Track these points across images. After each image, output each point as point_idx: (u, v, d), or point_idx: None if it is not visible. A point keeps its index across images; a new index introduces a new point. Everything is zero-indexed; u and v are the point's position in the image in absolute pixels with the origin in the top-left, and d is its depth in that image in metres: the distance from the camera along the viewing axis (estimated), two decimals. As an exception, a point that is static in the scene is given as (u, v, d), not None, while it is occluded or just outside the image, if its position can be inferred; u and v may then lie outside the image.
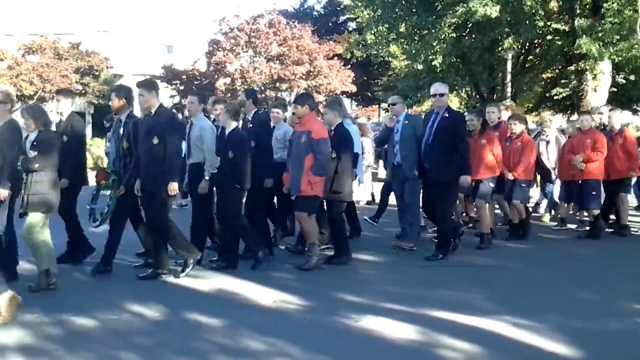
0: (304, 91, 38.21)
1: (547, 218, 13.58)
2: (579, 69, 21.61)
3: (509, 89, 26.27)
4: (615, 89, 25.28)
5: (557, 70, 27.60)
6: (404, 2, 23.56)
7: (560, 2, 22.95)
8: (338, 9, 47.41)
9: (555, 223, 12.95)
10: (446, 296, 7.80)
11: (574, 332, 6.38)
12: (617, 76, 24.13)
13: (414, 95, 28.43)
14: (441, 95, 9.92)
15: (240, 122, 9.69)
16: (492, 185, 10.93)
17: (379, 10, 24.82)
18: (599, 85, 21.57)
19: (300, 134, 9.21)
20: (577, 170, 11.68)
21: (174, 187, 8.24)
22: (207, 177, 9.10)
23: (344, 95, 46.08)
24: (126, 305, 7.32)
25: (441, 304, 7.34)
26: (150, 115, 8.42)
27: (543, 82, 29.72)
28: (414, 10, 23.32)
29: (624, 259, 10.24)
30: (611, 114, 12.43)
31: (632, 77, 25.56)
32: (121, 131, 8.77)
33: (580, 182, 11.79)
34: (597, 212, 11.65)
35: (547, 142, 12.75)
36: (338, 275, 8.94)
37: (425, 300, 7.54)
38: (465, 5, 20.09)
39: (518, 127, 11.49)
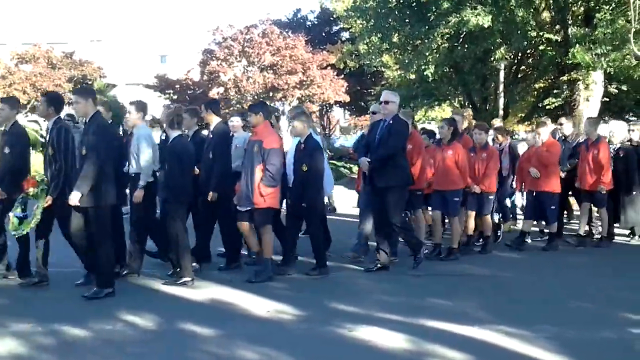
0: (298, 101, 38.29)
1: (507, 227, 13.14)
2: (571, 79, 21.67)
3: (501, 99, 26.33)
4: (608, 99, 25.37)
5: (549, 80, 27.64)
6: (396, 13, 23.60)
7: (553, 13, 23.02)
8: (331, 19, 47.44)
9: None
10: (440, 306, 7.81)
11: (567, 341, 6.40)
12: (609, 86, 24.21)
13: (407, 105, 28.43)
14: (386, 102, 9.70)
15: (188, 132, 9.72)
16: (457, 199, 10.71)
17: (372, 20, 24.86)
18: (591, 95, 21.62)
19: (253, 144, 9.13)
20: (534, 181, 11.45)
21: (74, 197, 7.75)
22: (141, 185, 8.87)
23: (337, 105, 46.13)
24: (119, 314, 7.31)
25: (435, 313, 7.36)
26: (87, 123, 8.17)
27: (535, 92, 29.78)
28: (407, 20, 23.36)
29: (617, 269, 10.25)
30: (587, 123, 12.26)
31: (624, 87, 25.65)
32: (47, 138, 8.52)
33: (535, 194, 11.58)
34: (554, 227, 11.51)
35: (501, 152, 12.28)
36: (332, 284, 8.94)
37: (419, 309, 7.55)
38: (457, 15, 20.14)
39: (483, 138, 11.32)
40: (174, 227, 8.67)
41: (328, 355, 6.21)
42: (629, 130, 12.66)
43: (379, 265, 9.61)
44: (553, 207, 11.41)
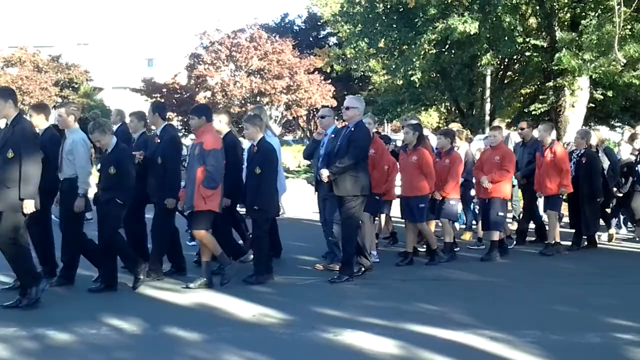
0: (285, 105, 38.33)
1: (467, 236, 13.01)
2: (557, 85, 21.81)
3: (488, 104, 26.48)
4: (593, 105, 25.51)
5: (535, 86, 27.84)
6: (384, 18, 23.71)
7: (539, 19, 23.19)
8: (318, 23, 47.62)
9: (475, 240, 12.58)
10: (425, 310, 7.82)
11: (552, 346, 6.42)
12: (594, 92, 24.36)
13: (394, 110, 28.56)
14: (347, 108, 9.51)
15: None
16: (422, 205, 10.44)
17: (359, 25, 24.99)
18: (576, 101, 21.77)
19: (194, 146, 8.95)
20: (485, 187, 11.13)
21: (28, 205, 7.53)
22: (80, 194, 8.55)
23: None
24: (104, 319, 7.28)
25: (420, 318, 7.37)
26: (7, 126, 7.85)
27: (522, 98, 30.00)
28: (394, 25, 23.46)
29: (602, 275, 10.29)
30: (541, 128, 11.92)
31: (609, 93, 25.81)
32: None
33: (487, 200, 11.22)
34: (496, 236, 11.06)
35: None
36: (317, 289, 8.94)
37: (404, 314, 7.56)
38: (444, 21, 20.24)
39: (446, 143, 11.16)
40: (112, 230, 8.66)
41: (313, 359, 6.22)
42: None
43: (362, 268, 9.56)
44: (501, 214, 11.12)
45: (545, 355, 6.14)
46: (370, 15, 23.98)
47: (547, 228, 11.99)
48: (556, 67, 20.47)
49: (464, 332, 6.84)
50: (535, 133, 12.57)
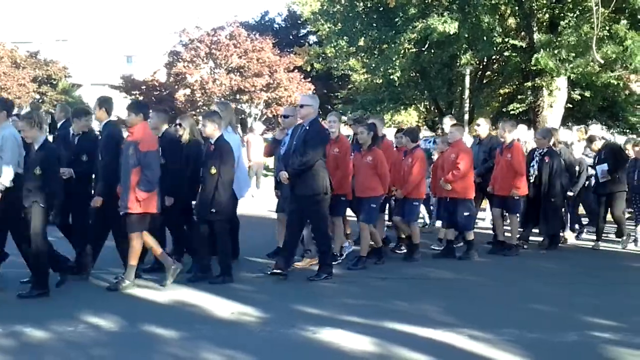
0: (265, 103, 38.26)
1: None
2: (536, 85, 21.92)
3: (467, 104, 26.56)
4: (571, 105, 25.67)
5: (514, 86, 27.97)
6: (364, 17, 23.73)
7: (518, 19, 23.28)
8: (299, 22, 47.53)
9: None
10: (404, 309, 7.84)
11: (530, 344, 6.46)
12: (572, 92, 24.51)
13: (374, 109, 28.57)
14: (301, 106, 9.46)
15: (46, 134, 8.97)
16: (374, 206, 10.15)
17: (339, 24, 24.99)
18: (555, 101, 21.89)
19: (128, 145, 8.60)
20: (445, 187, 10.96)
21: None
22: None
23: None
24: (81, 316, 7.24)
25: (399, 316, 7.38)
26: None
27: (500, 98, 30.10)
28: (374, 24, 23.48)
29: (582, 274, 10.36)
30: (503, 126, 11.66)
31: (587, 94, 25.98)
32: None
33: (448, 200, 11.08)
34: (470, 235, 11.07)
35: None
36: (297, 287, 8.92)
37: (384, 312, 7.56)
38: (424, 21, 20.29)
39: (406, 142, 11.03)
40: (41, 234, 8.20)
41: (292, 357, 6.22)
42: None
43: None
44: (466, 214, 10.94)
45: (523, 354, 6.17)
46: (351, 14, 23.99)
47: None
48: (534, 68, 20.57)
49: (443, 330, 6.86)
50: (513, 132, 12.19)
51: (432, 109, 30.12)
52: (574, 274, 10.35)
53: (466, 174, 10.94)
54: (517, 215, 11.71)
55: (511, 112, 27.21)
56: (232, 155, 9.10)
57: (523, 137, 13.96)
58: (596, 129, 13.70)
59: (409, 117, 36.79)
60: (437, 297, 8.51)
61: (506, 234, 11.63)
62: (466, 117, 25.64)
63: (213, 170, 8.76)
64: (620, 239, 12.46)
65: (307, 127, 9.24)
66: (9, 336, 6.57)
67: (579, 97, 26.13)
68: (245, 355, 6.10)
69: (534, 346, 6.41)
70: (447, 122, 13.10)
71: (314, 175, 9.05)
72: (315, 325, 6.98)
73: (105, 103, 9.33)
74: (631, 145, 12.52)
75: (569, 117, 26.06)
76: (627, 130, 26.61)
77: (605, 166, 12.08)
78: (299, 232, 9.62)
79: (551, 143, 12.12)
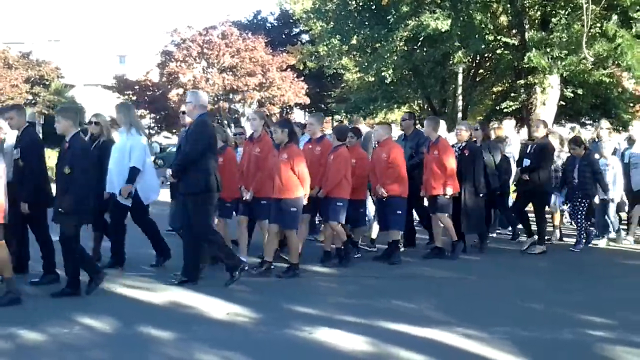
0: (258, 103, 38.23)
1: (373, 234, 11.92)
2: (528, 82, 21.94)
3: (460, 102, 26.60)
4: (564, 103, 25.71)
5: (507, 84, 27.98)
6: (356, 15, 23.72)
7: (510, 17, 23.30)
8: (291, 20, 47.52)
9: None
10: (399, 307, 7.86)
11: (524, 342, 6.49)
12: (565, 90, 24.54)
13: (367, 108, 28.59)
14: (185, 103, 9.18)
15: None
16: (294, 209, 9.40)
17: (332, 22, 24.98)
18: (547, 99, 21.92)
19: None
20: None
21: None
22: None
23: (298, 107, 46.24)
24: (76, 318, 7.23)
25: (394, 315, 7.40)
26: None
27: (493, 95, 30.13)
28: (367, 23, 23.48)
29: (575, 272, 10.42)
30: (426, 122, 11.34)
31: (580, 91, 26.02)
32: None
33: (384, 199, 10.58)
34: (396, 235, 10.64)
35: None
36: (291, 287, 8.94)
37: (379, 311, 7.59)
38: (417, 19, 20.30)
39: (332, 139, 10.50)
40: None
41: (288, 357, 6.23)
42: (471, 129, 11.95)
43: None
44: (399, 212, 10.52)
45: (518, 352, 6.19)
46: (343, 13, 23.98)
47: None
48: (527, 65, 20.60)
49: (437, 329, 6.88)
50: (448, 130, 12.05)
51: (425, 107, 30.13)
52: (565, 272, 10.46)
53: (399, 170, 10.52)
54: (447, 214, 11.03)
55: (504, 110, 27.23)
56: (87, 154, 8.48)
57: (511, 134, 13.94)
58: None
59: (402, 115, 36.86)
60: (431, 295, 8.54)
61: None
62: (459, 115, 25.68)
63: (67, 170, 8.12)
64: (525, 239, 11.81)
65: (191, 125, 9.01)
66: (4, 338, 6.55)
67: (572, 95, 26.16)
68: (241, 355, 6.11)
69: (528, 344, 6.44)
70: (406, 117, 12.56)
71: (196, 173, 8.71)
72: (310, 325, 6.99)
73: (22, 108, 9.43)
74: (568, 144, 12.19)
75: (561, 115, 26.11)
76: (620, 128, 26.61)
77: (528, 162, 11.56)
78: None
79: (480, 138, 11.84)
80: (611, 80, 23.69)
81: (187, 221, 8.92)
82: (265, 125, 10.20)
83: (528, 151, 11.70)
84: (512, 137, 13.70)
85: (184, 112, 9.88)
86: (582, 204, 11.86)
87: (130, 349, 6.38)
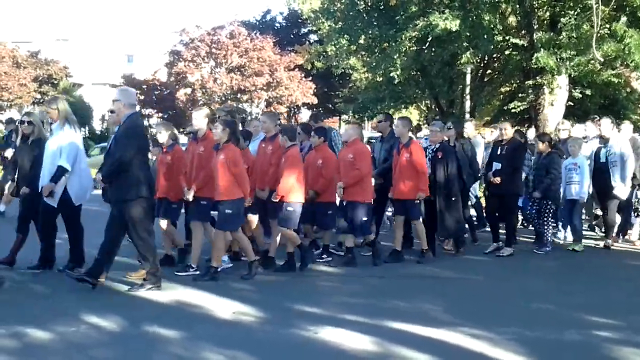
0: (266, 102, 38.24)
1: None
2: (537, 83, 21.90)
3: (468, 102, 26.58)
4: (572, 103, 25.68)
5: (515, 84, 27.96)
6: (364, 15, 23.71)
7: (519, 17, 23.26)
8: (299, 20, 47.52)
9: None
10: (404, 307, 7.85)
11: (532, 343, 6.46)
12: (573, 90, 24.52)
13: (374, 108, 28.59)
14: (115, 100, 8.48)
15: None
16: (229, 211, 9.00)
17: (340, 22, 24.98)
18: (555, 100, 21.87)
19: None
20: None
21: None
22: None
23: (305, 107, 46.27)
24: (82, 316, 7.24)
25: (400, 315, 7.39)
26: None
27: (501, 96, 30.13)
28: (375, 22, 23.47)
29: (581, 273, 10.38)
30: (399, 123, 10.91)
31: (588, 92, 25.99)
32: None
33: (346, 203, 10.29)
34: (350, 242, 10.27)
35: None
36: (297, 286, 8.95)
37: (384, 311, 7.58)
38: (425, 19, 20.28)
39: (283, 140, 9.91)
40: None
41: (292, 357, 6.22)
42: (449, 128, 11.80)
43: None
44: (365, 219, 10.11)
45: (523, 353, 6.17)
46: (351, 12, 23.98)
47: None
48: (535, 66, 20.57)
49: (444, 329, 6.86)
50: (429, 131, 11.67)
51: (433, 107, 30.13)
52: (571, 273, 10.41)
53: (364, 174, 10.17)
54: (420, 219, 10.76)
55: (512, 111, 27.24)
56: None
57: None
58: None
59: (410, 116, 36.79)
60: (436, 295, 8.53)
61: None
62: (467, 115, 25.65)
63: None
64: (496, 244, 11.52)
65: (122, 125, 8.38)
66: (11, 337, 6.56)
67: (580, 95, 26.15)
68: (246, 355, 6.11)
69: (536, 345, 6.41)
70: (381, 117, 12.27)
71: (126, 178, 8.22)
72: (315, 325, 6.99)
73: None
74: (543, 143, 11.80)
75: (570, 115, 26.05)
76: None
77: (499, 165, 11.18)
78: (117, 238, 8.65)
79: (453, 137, 11.63)
80: (619, 80, 23.68)
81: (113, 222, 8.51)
82: (210, 123, 9.70)
83: (499, 153, 11.33)
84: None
85: (112, 112, 8.64)
86: (548, 207, 11.56)
87: (136, 347, 6.38)
